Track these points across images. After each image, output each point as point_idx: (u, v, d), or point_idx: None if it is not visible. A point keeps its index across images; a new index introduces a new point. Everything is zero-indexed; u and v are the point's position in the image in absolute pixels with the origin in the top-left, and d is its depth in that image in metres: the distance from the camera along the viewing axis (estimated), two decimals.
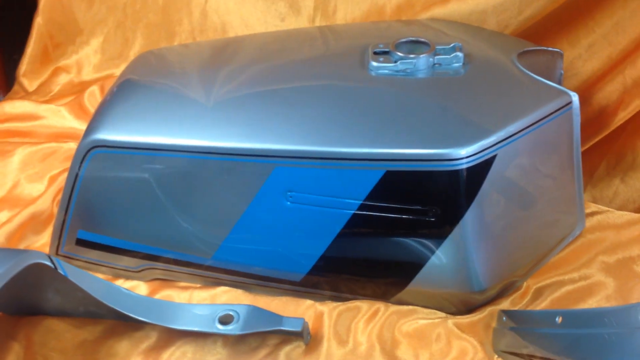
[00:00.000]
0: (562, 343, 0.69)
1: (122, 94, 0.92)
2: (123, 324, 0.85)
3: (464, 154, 0.75)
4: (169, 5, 1.26)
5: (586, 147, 1.02)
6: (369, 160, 0.77)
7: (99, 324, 0.85)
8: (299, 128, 0.81)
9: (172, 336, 0.83)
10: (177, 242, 0.88)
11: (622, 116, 0.97)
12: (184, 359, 0.81)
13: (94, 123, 0.87)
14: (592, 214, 0.98)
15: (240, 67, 0.95)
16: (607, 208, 1.00)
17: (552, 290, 0.88)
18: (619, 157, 1.04)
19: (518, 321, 0.79)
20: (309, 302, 0.87)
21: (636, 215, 0.97)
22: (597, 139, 1.02)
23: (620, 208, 1.02)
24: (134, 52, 1.30)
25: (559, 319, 0.70)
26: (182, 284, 0.92)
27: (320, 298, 0.88)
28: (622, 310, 0.63)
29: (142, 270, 0.92)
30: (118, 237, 0.90)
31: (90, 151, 0.84)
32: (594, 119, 1.01)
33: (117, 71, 1.26)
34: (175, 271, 0.91)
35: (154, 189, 0.85)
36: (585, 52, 0.99)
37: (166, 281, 0.92)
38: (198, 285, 0.91)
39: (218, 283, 0.90)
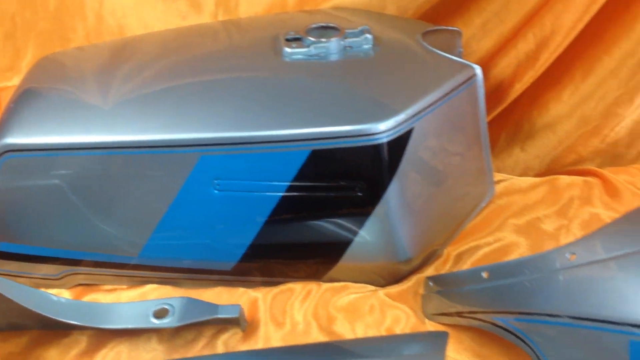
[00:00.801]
0: (488, 296, 0.73)
1: (25, 101, 0.88)
2: (49, 332, 0.81)
3: (383, 128, 0.78)
4: (61, 10, 1.21)
5: (487, 120, 1.08)
6: (293, 141, 0.78)
7: (23, 335, 0.81)
8: (222, 115, 0.81)
9: (104, 338, 0.80)
10: (100, 244, 0.85)
11: (517, 88, 1.05)
12: (118, 359, 0.79)
13: (0, 130, 0.83)
14: (499, 181, 1.04)
15: (147, 62, 0.94)
16: (511, 175, 1.07)
17: (471, 254, 0.93)
18: (517, 128, 1.11)
19: (443, 284, 0.83)
20: (241, 289, 0.87)
21: (538, 179, 1.05)
22: (496, 112, 1.08)
23: (521, 175, 1.09)
24: (26, 63, 1.23)
25: (485, 274, 0.74)
26: (108, 286, 0.89)
27: (253, 285, 0.88)
28: (540, 257, 0.69)
29: (63, 276, 0.88)
30: (35, 245, 0.86)
31: (1, 157, 0.80)
32: (492, 93, 1.07)
33: (10, 84, 1.20)
34: (99, 274, 0.88)
35: (69, 191, 0.82)
36: (480, 30, 1.06)
37: (90, 286, 0.89)
38: (125, 286, 0.89)
39: (146, 281, 0.88)
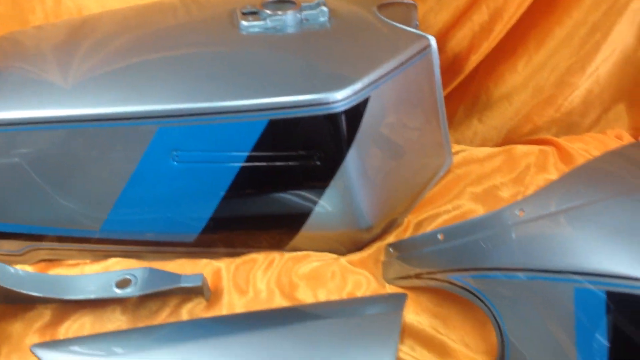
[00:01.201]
0: (444, 257, 0.75)
1: None
2: (12, 307, 0.81)
3: (340, 97, 0.79)
4: None
5: (445, 93, 1.11)
6: (251, 111, 0.79)
7: None
8: (179, 88, 0.81)
9: (68, 310, 0.81)
10: (61, 219, 0.86)
11: (473, 59, 1.07)
12: (82, 330, 0.79)
13: None
14: (457, 152, 1.07)
15: (106, 39, 0.94)
16: (469, 147, 1.09)
17: (430, 222, 0.95)
18: (474, 99, 1.13)
19: (403, 249, 0.85)
20: (205, 261, 0.88)
21: (495, 149, 1.07)
22: (454, 85, 1.11)
23: (480, 146, 1.12)
24: None
25: (440, 236, 0.76)
26: (71, 261, 0.89)
27: (216, 256, 0.89)
28: (491, 215, 0.71)
29: (26, 252, 0.88)
30: None
31: None
32: (449, 66, 1.09)
33: None
34: (61, 249, 0.88)
35: (29, 167, 0.82)
36: (436, 4, 1.07)
37: (53, 261, 0.89)
38: (88, 261, 0.89)
39: (109, 255, 0.89)
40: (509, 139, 1.14)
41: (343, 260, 0.88)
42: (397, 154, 0.92)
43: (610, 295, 0.55)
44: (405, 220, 0.96)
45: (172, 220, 0.86)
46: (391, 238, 0.93)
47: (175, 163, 0.81)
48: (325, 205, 0.85)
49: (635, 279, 0.53)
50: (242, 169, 0.82)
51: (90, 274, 0.82)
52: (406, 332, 0.79)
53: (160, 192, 0.83)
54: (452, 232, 0.75)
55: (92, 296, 0.77)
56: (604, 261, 0.56)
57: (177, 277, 0.80)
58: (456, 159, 1.05)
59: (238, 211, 0.86)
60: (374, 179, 0.87)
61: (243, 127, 0.80)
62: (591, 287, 0.56)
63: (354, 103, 0.80)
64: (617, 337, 0.54)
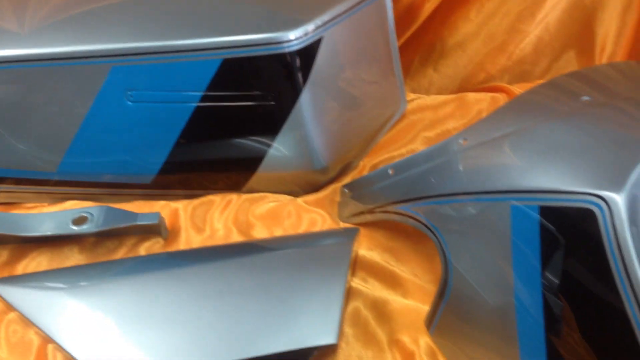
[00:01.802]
0: (393, 190, 0.78)
1: None
2: None
3: (293, 37, 0.81)
4: None
5: (401, 42, 1.13)
6: (204, 50, 0.80)
7: None
8: (133, 26, 0.82)
9: (25, 250, 0.82)
10: (18, 161, 0.86)
11: (427, 8, 1.09)
12: (40, 269, 0.80)
13: None
14: (412, 100, 1.09)
15: None
16: (424, 95, 1.11)
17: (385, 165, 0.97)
18: (429, 49, 1.15)
19: (356, 188, 0.87)
20: (162, 202, 0.90)
21: (449, 96, 1.09)
22: (409, 34, 1.12)
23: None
24: None
25: (390, 171, 0.79)
26: (29, 204, 0.90)
27: (173, 198, 0.91)
28: (436, 147, 0.74)
29: None
30: None
31: None
32: (404, 15, 1.11)
33: None
34: (19, 191, 0.89)
35: None
36: None
37: (11, 204, 0.90)
38: (46, 204, 0.90)
39: (67, 198, 0.89)
40: (463, 87, 1.16)
41: (299, 200, 0.90)
42: (350, 98, 0.94)
43: (543, 210, 0.58)
44: (361, 163, 0.98)
45: (129, 162, 0.87)
46: (347, 180, 0.95)
47: (129, 103, 0.82)
48: (281, 146, 0.87)
49: (564, 192, 0.56)
50: (197, 109, 0.83)
51: (47, 212, 0.83)
52: (359, 266, 0.81)
53: (115, 133, 0.84)
54: (401, 166, 0.78)
55: (49, 233, 0.78)
56: (536, 179, 0.59)
57: (133, 215, 0.81)
58: (411, 105, 1.07)
59: (194, 152, 0.87)
60: (328, 120, 0.89)
61: (197, 66, 0.81)
62: (525, 203, 0.59)
63: (306, 43, 0.82)
64: (548, 248, 0.57)
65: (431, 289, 0.78)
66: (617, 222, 0.52)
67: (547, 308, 0.58)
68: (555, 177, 0.58)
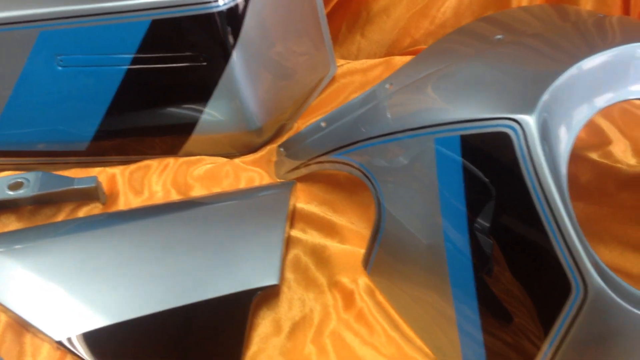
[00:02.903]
0: (326, 140, 0.80)
1: None
2: None
3: None
4: None
5: (328, 9, 1.16)
6: (133, 11, 0.81)
7: None
8: None
9: None
10: None
11: None
12: None
13: None
14: (341, 65, 1.12)
15: None
16: (353, 61, 1.15)
17: None
18: (356, 15, 1.19)
19: (291, 145, 0.89)
20: (98, 169, 0.90)
21: (376, 60, 1.13)
22: (335, 1, 1.16)
23: None
24: None
25: (323, 124, 0.82)
26: None
27: (110, 165, 0.91)
28: (364, 95, 0.77)
29: None
30: None
31: None
32: None
33: None
34: None
35: None
36: None
37: None
38: None
39: (1, 169, 0.88)
40: (390, 53, 1.20)
41: (236, 160, 0.92)
42: (280, 60, 0.96)
43: (463, 139, 0.62)
44: (295, 125, 1.01)
45: (62, 129, 0.87)
46: (282, 141, 0.98)
47: (60, 68, 0.82)
48: (215, 108, 0.88)
49: (481, 119, 0.60)
50: (129, 72, 0.84)
51: None
52: (297, 218, 0.84)
53: (47, 99, 0.84)
54: (333, 117, 0.81)
55: None
56: (456, 112, 0.63)
57: (70, 179, 0.82)
58: (340, 70, 1.11)
59: (129, 116, 0.88)
60: (260, 81, 0.91)
61: (126, 28, 0.81)
62: (447, 134, 0.63)
63: (234, 3, 0.84)
64: (470, 175, 0.61)
65: (367, 234, 0.81)
66: (530, 142, 0.57)
67: (472, 233, 0.62)
68: (473, 108, 0.62)
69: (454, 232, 0.64)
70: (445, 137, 0.64)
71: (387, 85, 0.74)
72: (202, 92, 0.87)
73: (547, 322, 0.57)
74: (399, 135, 0.69)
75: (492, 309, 0.62)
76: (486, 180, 0.61)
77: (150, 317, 0.67)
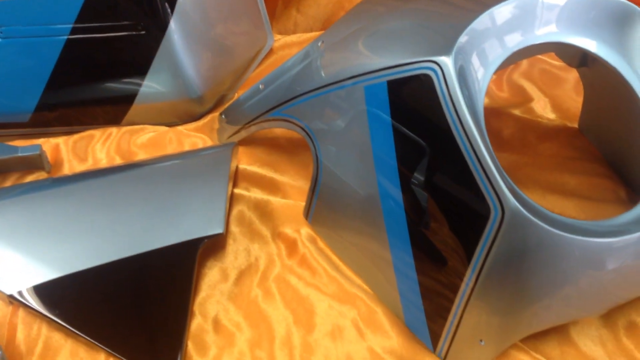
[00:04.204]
0: (264, 101, 0.84)
1: None
2: None
3: None
4: None
5: None
6: None
7: None
8: None
9: None
10: None
11: None
12: None
13: None
14: (278, 39, 1.16)
15: None
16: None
17: None
18: None
19: (232, 112, 0.92)
20: (41, 139, 0.91)
21: (312, 33, 1.18)
22: None
23: None
24: None
25: (261, 86, 0.85)
26: None
27: (53, 136, 0.92)
28: (300, 52, 0.81)
29: None
30: None
31: None
32: None
33: None
34: None
35: None
36: None
37: None
38: None
39: None
40: (326, 27, 1.22)
41: (179, 128, 0.95)
42: (218, 30, 0.99)
43: (390, 84, 0.67)
44: (235, 95, 1.04)
45: (4, 101, 0.88)
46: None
47: (0, 39, 0.83)
48: (155, 76, 0.91)
49: (404, 64, 0.65)
50: (68, 42, 0.85)
51: None
52: (240, 178, 0.87)
53: None
54: (270, 79, 0.84)
55: None
56: (381, 60, 0.68)
57: (14, 148, 0.83)
58: (278, 43, 1.14)
59: (70, 86, 0.89)
60: (198, 50, 0.94)
61: None
62: (375, 81, 0.68)
63: None
64: (397, 118, 0.66)
65: (308, 189, 0.86)
66: (448, 81, 0.62)
67: (402, 173, 0.67)
68: (397, 55, 0.67)
69: (385, 176, 0.69)
70: (373, 84, 0.68)
71: (319, 44, 0.78)
72: (142, 61, 0.90)
73: (470, 248, 0.62)
74: (332, 87, 0.73)
75: (423, 250, 0.67)
76: (411, 119, 0.66)
77: (100, 268, 0.69)
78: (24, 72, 0.86)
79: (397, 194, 0.67)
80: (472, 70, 0.64)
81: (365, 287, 0.74)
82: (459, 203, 0.63)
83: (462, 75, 0.63)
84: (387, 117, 0.67)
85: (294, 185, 0.86)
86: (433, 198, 0.65)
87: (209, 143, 0.93)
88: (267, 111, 0.84)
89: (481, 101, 0.64)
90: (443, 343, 0.67)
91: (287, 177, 0.88)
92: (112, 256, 0.70)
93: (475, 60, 0.65)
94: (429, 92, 0.63)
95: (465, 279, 0.63)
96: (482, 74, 0.65)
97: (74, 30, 0.85)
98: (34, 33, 0.84)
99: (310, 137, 0.78)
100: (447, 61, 0.62)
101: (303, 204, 0.83)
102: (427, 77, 0.63)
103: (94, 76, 0.89)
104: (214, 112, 1.00)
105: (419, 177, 0.66)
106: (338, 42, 0.76)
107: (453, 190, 0.63)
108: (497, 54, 0.66)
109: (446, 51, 0.63)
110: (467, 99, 0.62)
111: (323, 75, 0.75)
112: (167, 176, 0.79)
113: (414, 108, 0.66)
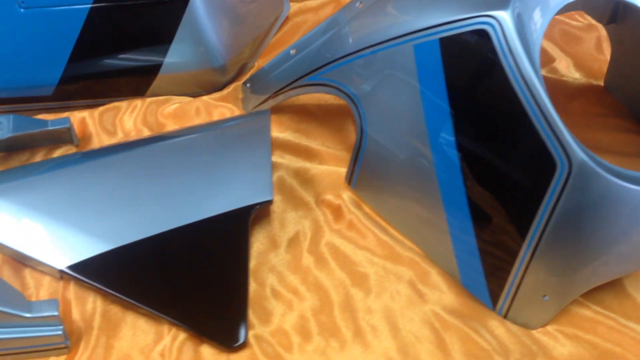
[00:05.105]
0: (298, 66, 0.82)
1: None
2: None
3: None
4: None
5: None
6: None
7: None
8: None
9: None
10: None
11: None
12: None
13: None
14: (293, 4, 1.14)
15: None
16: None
17: None
18: None
19: (257, 80, 0.90)
20: (66, 113, 0.88)
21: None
22: None
23: None
24: None
25: (292, 51, 0.84)
26: None
27: (77, 110, 0.90)
28: (337, 14, 0.80)
29: None
30: None
31: None
32: None
33: None
34: None
35: None
36: None
37: None
38: None
39: None
40: None
41: (205, 98, 0.93)
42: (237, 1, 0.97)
43: (442, 41, 0.66)
44: (256, 64, 1.02)
45: (28, 73, 0.85)
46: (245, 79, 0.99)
47: (22, 10, 0.80)
48: (180, 45, 0.88)
49: (458, 20, 0.64)
50: (92, 10, 0.83)
51: None
52: (274, 145, 0.86)
53: (11, 42, 0.82)
54: (303, 43, 0.83)
55: None
56: (431, 17, 0.67)
57: (44, 121, 0.81)
58: (292, 9, 1.12)
59: (94, 57, 0.87)
60: (220, 18, 0.92)
61: None
62: (426, 39, 0.67)
63: None
64: (452, 77, 0.65)
65: (343, 155, 0.85)
66: (508, 36, 0.61)
67: (459, 134, 0.66)
68: (449, 11, 0.66)
69: (438, 138, 0.68)
70: (424, 43, 0.67)
71: (357, 4, 0.77)
72: (166, 30, 0.87)
73: (533, 206, 0.62)
74: (378, 47, 0.72)
75: (482, 212, 0.66)
76: (468, 77, 0.65)
77: (152, 239, 0.68)
78: (47, 43, 0.83)
79: (453, 156, 0.67)
80: (529, 22, 0.63)
81: (416, 249, 0.74)
82: (522, 160, 0.63)
83: (520, 28, 0.62)
84: (440, 76, 0.66)
85: (328, 152, 0.85)
86: (493, 157, 0.65)
87: (236, 112, 0.91)
88: (302, 77, 0.82)
89: (538, 53, 0.63)
90: (504, 301, 0.67)
91: (320, 144, 0.87)
92: (163, 227, 0.68)
93: (531, 12, 0.64)
94: (487, 47, 0.62)
95: (528, 237, 0.63)
96: (539, 25, 0.64)
97: None
98: (56, 2, 0.81)
99: (353, 101, 0.77)
100: (505, 15, 0.62)
101: (340, 169, 0.82)
102: (484, 33, 0.62)
103: (119, 46, 0.87)
104: (236, 82, 0.98)
105: (477, 136, 0.65)
106: (378, 2, 0.74)
107: (516, 148, 0.63)
108: (556, 2, 0.65)
109: (503, 4, 0.62)
110: (528, 53, 0.61)
111: (367, 35, 0.74)
112: (208, 145, 0.77)
113: (470, 65, 0.65)
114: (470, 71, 0.65)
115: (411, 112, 0.70)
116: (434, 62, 0.67)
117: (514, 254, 0.65)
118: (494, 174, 0.65)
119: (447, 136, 0.67)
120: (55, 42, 0.84)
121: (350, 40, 0.76)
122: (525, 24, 0.63)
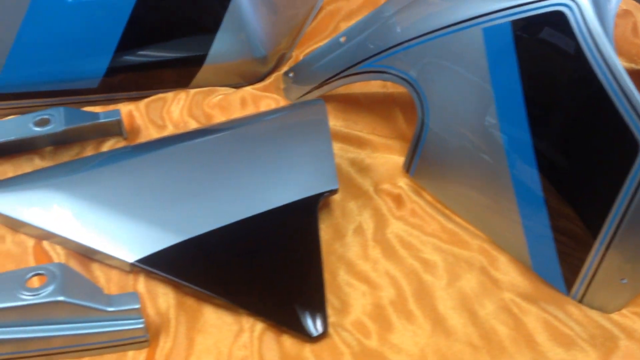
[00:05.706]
0: (349, 54, 0.81)
1: None
2: None
3: None
4: None
5: None
6: None
7: None
8: None
9: None
10: None
11: None
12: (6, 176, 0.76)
13: None
14: None
15: None
16: None
17: None
18: None
19: (301, 70, 0.90)
20: (111, 106, 0.86)
21: None
22: None
23: None
24: None
25: (342, 39, 0.83)
26: None
27: (121, 102, 0.88)
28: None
29: None
30: None
31: None
32: None
33: None
34: None
35: None
36: None
37: None
38: None
39: (8, 114, 0.84)
40: None
41: (248, 88, 0.92)
42: None
43: (514, 24, 0.65)
44: (294, 54, 1.01)
45: (74, 65, 0.83)
46: (285, 69, 0.98)
47: (69, 1, 0.78)
48: (225, 35, 0.87)
49: (532, 2, 0.63)
50: (139, 1, 0.81)
51: (4, 120, 0.77)
52: None
53: (57, 33, 0.80)
54: (354, 30, 0.82)
55: (13, 137, 0.74)
56: None
57: (95, 114, 0.79)
58: None
59: (141, 48, 0.85)
60: (262, 7, 0.91)
61: None
62: (496, 22, 0.66)
63: None
64: (526, 61, 0.64)
65: (393, 142, 0.84)
66: (587, 17, 0.60)
67: (533, 122, 0.64)
68: None
69: (511, 125, 0.67)
70: (494, 26, 0.67)
71: None
72: (212, 19, 0.86)
73: (614, 189, 0.60)
74: (441, 31, 0.71)
75: (558, 197, 0.65)
76: (543, 61, 0.65)
77: (221, 230, 0.66)
78: (94, 33, 0.82)
79: (527, 141, 0.65)
80: (606, 3, 0.63)
81: (482, 235, 0.73)
82: (603, 143, 0.62)
83: (597, 9, 0.61)
84: (512, 61, 0.65)
85: (379, 140, 0.84)
86: (572, 142, 0.64)
87: (282, 103, 0.90)
88: (356, 64, 0.81)
89: (612, 34, 0.62)
90: (579, 286, 0.66)
91: (370, 132, 0.86)
92: (232, 218, 0.67)
93: None
94: (564, 30, 0.61)
95: (607, 222, 0.62)
96: (613, 5, 0.63)
97: None
98: None
99: (414, 88, 0.75)
100: None
101: (394, 157, 0.82)
102: (560, 15, 0.62)
103: (166, 36, 0.85)
104: (276, 72, 0.97)
105: (554, 121, 0.64)
106: None
107: (596, 130, 0.62)
108: None
109: None
110: (608, 35, 0.60)
111: (430, 18, 0.73)
112: (267, 135, 0.76)
113: (546, 48, 0.64)
114: (546, 54, 0.64)
115: (479, 98, 0.69)
116: (506, 46, 0.66)
117: (591, 240, 0.64)
118: (572, 159, 0.64)
119: (521, 123, 0.66)
120: (103, 33, 0.82)
121: (411, 25, 0.75)
122: (602, 5, 0.62)
